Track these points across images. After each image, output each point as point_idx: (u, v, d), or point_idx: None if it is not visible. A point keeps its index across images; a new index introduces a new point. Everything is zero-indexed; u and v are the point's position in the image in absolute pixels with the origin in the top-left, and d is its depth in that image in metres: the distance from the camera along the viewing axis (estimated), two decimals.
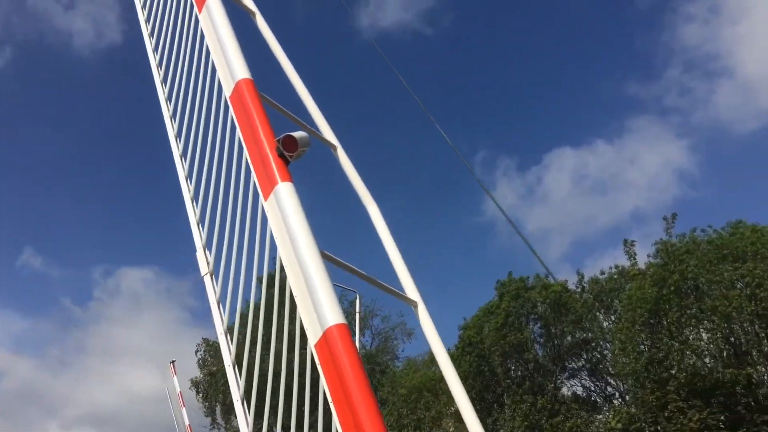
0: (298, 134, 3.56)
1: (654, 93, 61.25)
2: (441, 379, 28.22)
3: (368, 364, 33.73)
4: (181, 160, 4.58)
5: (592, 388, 26.33)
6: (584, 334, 25.70)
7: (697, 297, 21.84)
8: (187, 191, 4.40)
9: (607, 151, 60.74)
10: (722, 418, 19.32)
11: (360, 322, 26.00)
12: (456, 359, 25.43)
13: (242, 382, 3.34)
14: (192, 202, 4.30)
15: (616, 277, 25.52)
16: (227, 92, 4.04)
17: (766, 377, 21.58)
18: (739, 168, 56.01)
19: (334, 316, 2.84)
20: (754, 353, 21.79)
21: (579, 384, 26.45)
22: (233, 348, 3.55)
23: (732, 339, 21.92)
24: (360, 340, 26.36)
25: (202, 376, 34.72)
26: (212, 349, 35.02)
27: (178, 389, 21.33)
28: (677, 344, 21.49)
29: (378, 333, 37.79)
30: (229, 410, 33.59)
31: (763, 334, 21.38)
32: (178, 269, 79.34)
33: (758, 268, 20.44)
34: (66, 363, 75.78)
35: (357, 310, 25.16)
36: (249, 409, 3.21)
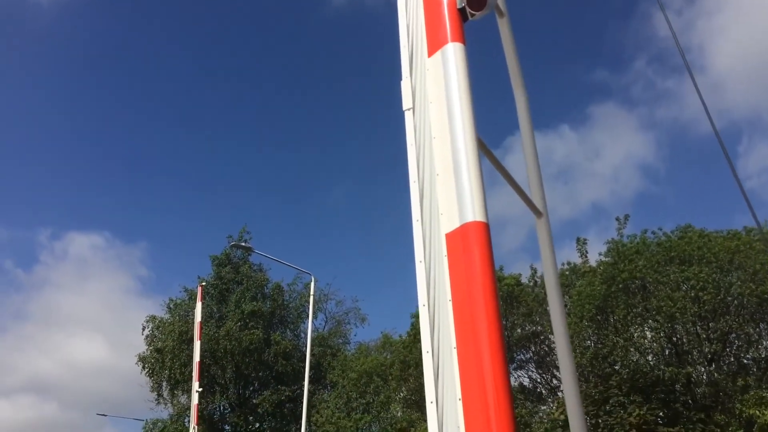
0: None
1: (621, 83, 60.09)
2: (391, 365, 28.40)
3: (320, 346, 33.71)
4: None
5: (539, 380, 26.84)
6: (534, 328, 26.17)
7: (644, 296, 22.43)
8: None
9: (571, 138, 59.76)
10: (661, 414, 19.93)
11: (314, 305, 25.95)
12: (407, 346, 25.56)
13: None
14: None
15: (567, 273, 26.01)
16: None
17: (704, 376, 22.36)
18: (695, 169, 56.58)
19: (479, 211, 2.68)
20: (695, 353, 22.55)
21: (526, 375, 26.94)
22: None
23: (674, 339, 22.62)
24: (313, 323, 26.31)
25: (149, 352, 34.22)
26: (160, 325, 34.58)
27: (198, 318, 20.44)
28: (622, 341, 22.10)
29: (331, 317, 37.78)
30: (174, 386, 33.24)
31: (704, 336, 22.11)
32: (129, 236, 77.60)
33: (703, 272, 21.08)
34: (4, 329, 73.64)
35: (311, 292, 25.09)
36: None
